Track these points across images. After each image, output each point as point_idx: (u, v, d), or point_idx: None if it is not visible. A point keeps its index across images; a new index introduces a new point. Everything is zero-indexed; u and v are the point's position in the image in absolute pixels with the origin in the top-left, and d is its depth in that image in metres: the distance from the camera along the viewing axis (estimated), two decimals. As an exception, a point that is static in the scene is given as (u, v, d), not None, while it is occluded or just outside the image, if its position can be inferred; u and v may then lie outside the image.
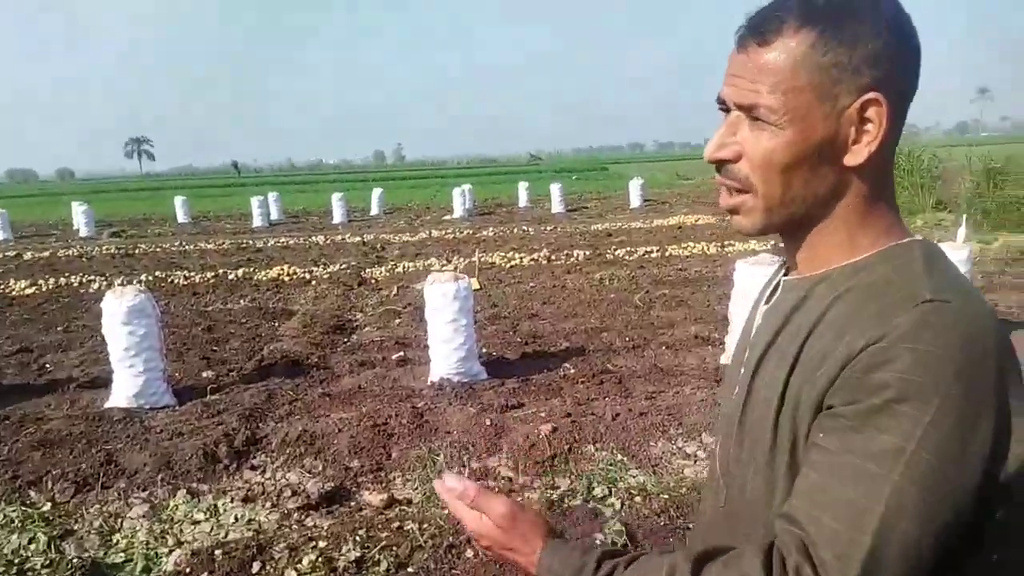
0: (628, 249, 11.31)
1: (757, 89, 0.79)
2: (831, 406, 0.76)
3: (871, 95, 0.78)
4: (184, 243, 15.34)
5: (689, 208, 18.36)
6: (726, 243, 11.61)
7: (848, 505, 0.71)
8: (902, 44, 0.79)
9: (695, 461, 4.06)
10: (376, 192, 21.55)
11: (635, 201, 19.34)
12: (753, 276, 5.36)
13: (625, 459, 4.05)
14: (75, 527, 3.58)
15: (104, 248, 14.92)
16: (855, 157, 0.80)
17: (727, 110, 0.85)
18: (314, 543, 3.22)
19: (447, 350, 5.35)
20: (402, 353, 6.28)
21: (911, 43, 0.80)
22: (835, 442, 0.74)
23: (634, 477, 3.86)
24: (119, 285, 6.66)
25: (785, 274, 0.96)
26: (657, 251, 11.06)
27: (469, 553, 3.12)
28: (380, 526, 3.39)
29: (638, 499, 3.54)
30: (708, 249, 11.12)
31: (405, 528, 3.34)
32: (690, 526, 3.21)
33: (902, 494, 0.69)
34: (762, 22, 0.80)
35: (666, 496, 3.56)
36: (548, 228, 15.33)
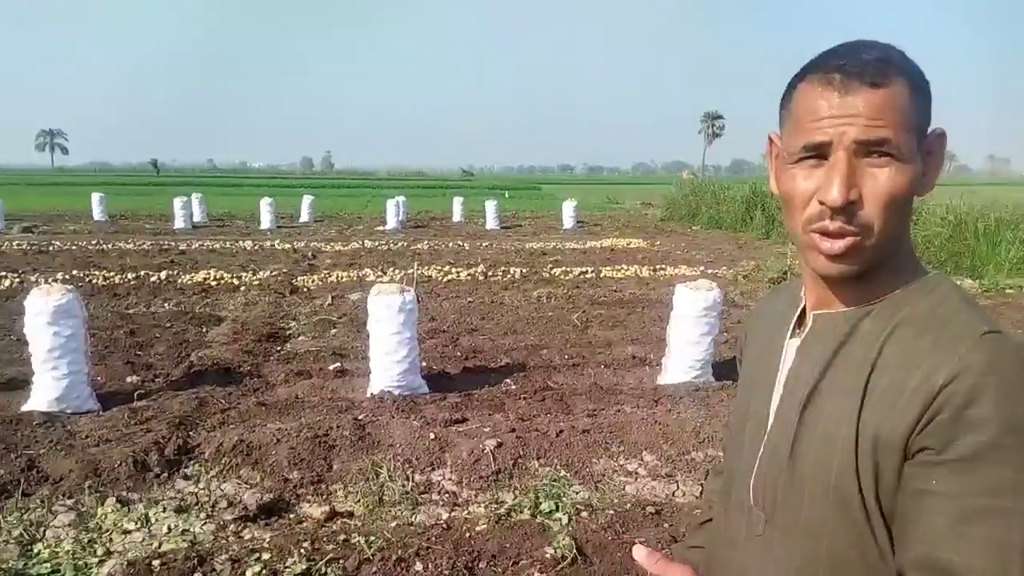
0: (564, 269, 11.45)
1: (883, 124, 0.82)
2: (926, 447, 0.79)
3: (940, 129, 0.88)
4: (101, 242, 14.68)
5: (620, 232, 18.71)
6: (658, 267, 11.90)
7: (987, 542, 0.74)
8: (930, 89, 0.88)
9: (636, 478, 4.13)
10: (306, 199, 21.14)
11: (568, 222, 19.60)
12: (693, 300, 5.52)
13: (568, 475, 4.09)
14: (-8, 536, 3.37)
15: (15, 244, 14.13)
16: (927, 188, 0.88)
17: (817, 156, 0.86)
18: (257, 555, 3.13)
19: (389, 362, 5.29)
20: (339, 364, 6.18)
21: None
22: (953, 485, 0.76)
23: (578, 493, 3.90)
24: (45, 283, 6.32)
25: (803, 308, 0.99)
26: (592, 272, 11.23)
27: (419, 566, 3.09)
28: (325, 539, 3.32)
29: (584, 514, 3.58)
30: (641, 272, 11.37)
31: (351, 541, 3.29)
32: (638, 540, 3.27)
33: None
34: (866, 67, 0.84)
35: (611, 512, 3.61)
36: (484, 244, 15.37)
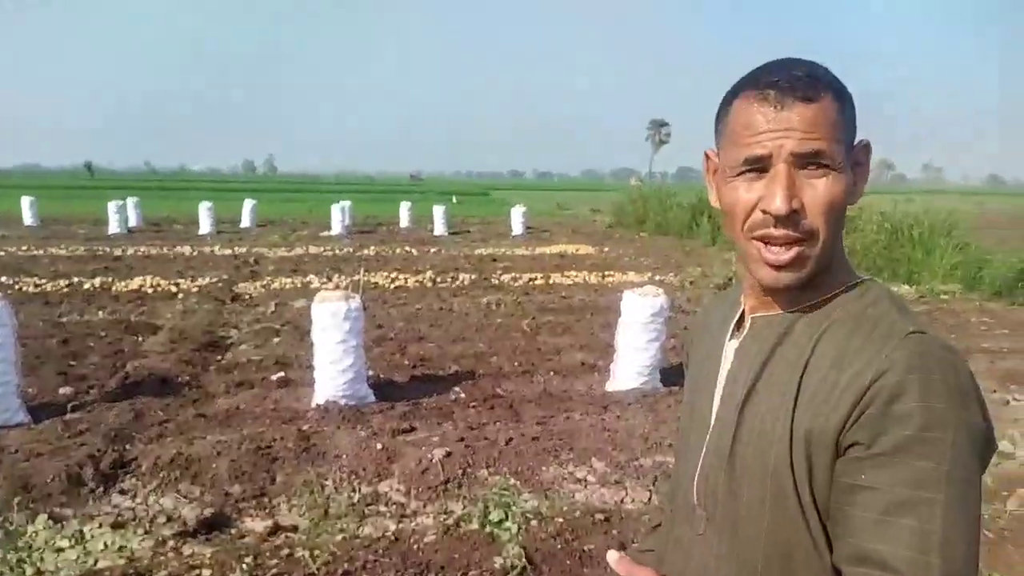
0: (513, 275, 11.45)
1: (818, 137, 0.86)
2: (856, 443, 0.82)
3: (865, 140, 0.93)
4: (32, 247, 14.12)
5: (569, 238, 18.83)
6: (606, 273, 12.01)
7: (912, 532, 0.78)
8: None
9: (585, 485, 4.14)
10: (248, 203, 20.69)
11: (517, 228, 19.63)
12: (641, 306, 5.58)
13: (518, 483, 4.08)
14: (-90, 560, 3.18)
15: (-63, 248, 13.49)
16: (856, 196, 0.93)
17: (757, 169, 0.89)
18: (197, 571, 3.03)
19: (334, 371, 5.20)
20: (283, 373, 6.05)
21: None
22: (879, 478, 0.80)
23: (527, 501, 3.89)
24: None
25: (743, 312, 1.02)
26: (541, 278, 11.26)
27: (366, 580, 3.03)
28: (268, 554, 3.23)
29: (534, 523, 3.57)
30: (589, 278, 11.45)
31: (295, 555, 3.21)
32: (587, 548, 3.28)
33: (951, 510, 0.78)
34: (797, 83, 0.87)
35: (561, 520, 3.61)
36: (432, 250, 15.28)
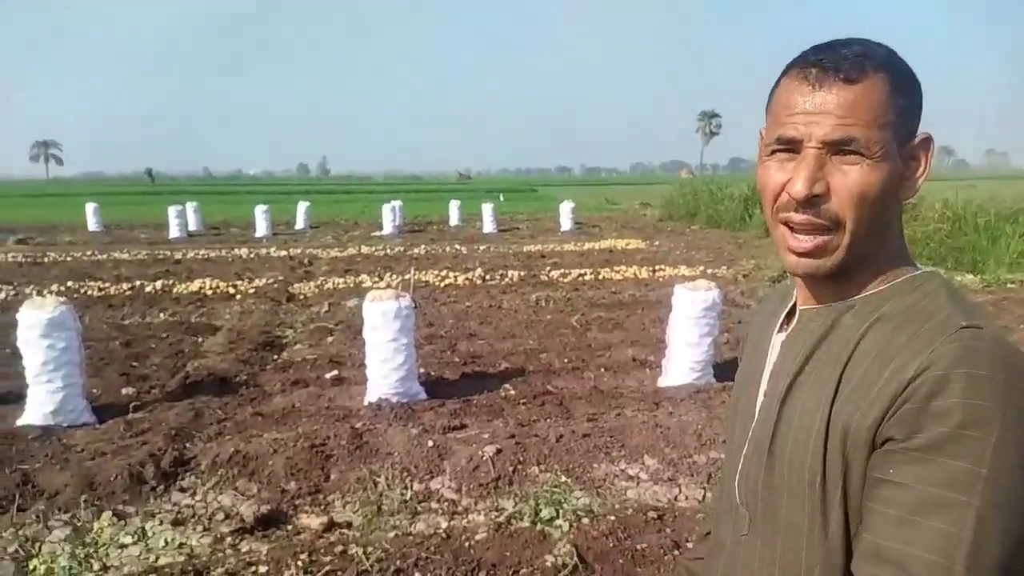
0: (562, 271, 11.40)
1: (853, 123, 0.82)
2: (891, 438, 0.77)
3: (925, 134, 0.86)
4: (96, 252, 14.63)
5: (618, 233, 18.67)
6: (657, 267, 11.86)
7: (937, 535, 0.72)
8: (921, 90, 0.87)
9: (637, 483, 4.09)
10: (302, 205, 21.07)
11: (566, 224, 19.55)
12: (692, 301, 5.49)
13: (569, 481, 4.05)
14: (-14, 554, 3.32)
15: (10, 256, 14.07)
16: (910, 191, 0.87)
17: (790, 150, 0.87)
18: (254, 568, 3.09)
19: (386, 370, 5.25)
20: (336, 372, 6.14)
21: (921, 90, 0.88)
22: (909, 475, 0.75)
23: (578, 499, 3.86)
24: (37, 295, 6.28)
25: (794, 303, 0.99)
26: (590, 274, 11.19)
27: (418, 577, 3.05)
28: (322, 550, 3.28)
29: (585, 521, 3.54)
30: (640, 273, 11.33)
31: (349, 552, 3.24)
32: (640, 547, 3.24)
33: (985, 518, 0.71)
34: (842, 62, 0.83)
35: (612, 518, 3.57)
36: (481, 248, 15.32)
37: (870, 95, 0.81)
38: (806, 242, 0.86)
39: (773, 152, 0.88)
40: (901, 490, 0.75)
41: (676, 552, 3.23)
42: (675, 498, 3.93)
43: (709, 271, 11.30)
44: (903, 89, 0.84)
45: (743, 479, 0.96)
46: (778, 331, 1.00)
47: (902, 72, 0.84)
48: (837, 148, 0.83)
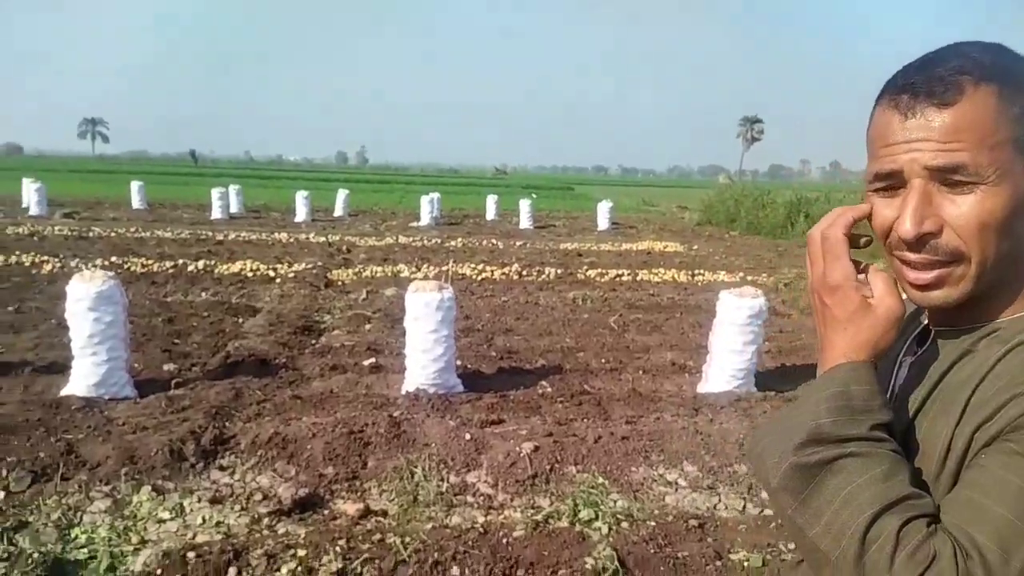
0: (599, 271, 11.31)
1: (958, 148, 0.75)
2: (995, 438, 0.74)
3: None
4: (140, 230, 14.88)
5: (656, 235, 18.50)
6: (695, 272, 11.72)
7: (1004, 523, 0.69)
8: None
9: (676, 489, 4.02)
10: (341, 193, 21.24)
11: (603, 223, 19.43)
12: (738, 307, 5.39)
13: (607, 483, 3.99)
14: (30, 519, 3.37)
15: (56, 229, 14.37)
16: None
17: (889, 187, 0.81)
18: (292, 551, 3.08)
19: (425, 360, 5.23)
20: (374, 359, 6.14)
21: None
22: (997, 462, 0.72)
23: (616, 502, 3.80)
24: (86, 269, 6.37)
25: (927, 324, 0.93)
26: (628, 275, 11.08)
27: (455, 570, 3.01)
28: (360, 537, 3.26)
29: (624, 524, 3.48)
30: (678, 277, 11.20)
31: (387, 541, 3.22)
32: (681, 555, 3.17)
33: None
34: (934, 82, 0.76)
35: (652, 523, 3.51)
36: (518, 243, 15.28)
37: (974, 114, 0.74)
38: (925, 275, 0.81)
39: (875, 189, 0.83)
40: (984, 473, 0.72)
41: (719, 563, 3.16)
42: (715, 507, 3.86)
43: (749, 278, 11.13)
44: (1017, 96, 0.76)
45: None
46: (905, 352, 0.94)
47: (1014, 77, 0.76)
48: (944, 178, 0.76)
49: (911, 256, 0.80)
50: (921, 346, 0.92)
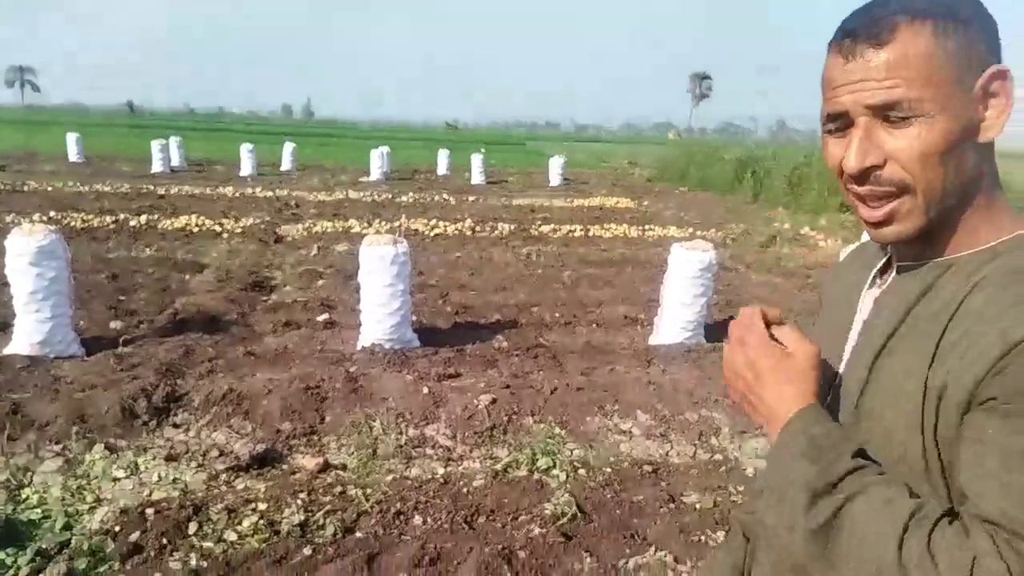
0: (553, 226, 11.36)
1: (894, 85, 0.79)
2: (993, 397, 0.74)
3: (995, 68, 0.80)
4: (78, 184, 14.32)
5: (608, 190, 18.58)
6: (646, 227, 11.85)
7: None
8: (989, 18, 0.82)
9: (630, 438, 4.13)
10: (288, 147, 20.73)
11: (555, 179, 19.41)
12: (689, 260, 5.48)
13: (563, 433, 4.08)
14: (-24, 481, 3.29)
15: (-13, 182, 13.75)
16: (990, 132, 0.82)
17: (839, 128, 0.85)
18: (252, 505, 3.09)
19: (381, 315, 5.22)
20: (328, 315, 6.10)
21: (992, 17, 0.83)
22: (1004, 431, 0.73)
23: (573, 451, 3.89)
24: (27, 223, 6.14)
25: (888, 259, 0.96)
26: (581, 230, 11.16)
27: (417, 519, 3.06)
28: (321, 491, 3.28)
29: (581, 472, 3.57)
30: (629, 232, 11.31)
31: (348, 493, 3.25)
32: (636, 499, 3.28)
33: None
34: (871, 24, 0.80)
35: (608, 470, 3.61)
36: (470, 199, 15.19)
37: (907, 51, 0.78)
38: (877, 211, 0.84)
39: (828, 130, 0.87)
40: (995, 447, 0.73)
41: (672, 505, 3.27)
42: (667, 454, 3.98)
43: (699, 233, 11.30)
44: (952, 31, 0.79)
45: None
46: (869, 287, 0.97)
47: (950, 11, 0.79)
48: (885, 114, 0.80)
49: (860, 190, 0.84)
50: (882, 279, 0.96)
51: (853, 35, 0.81)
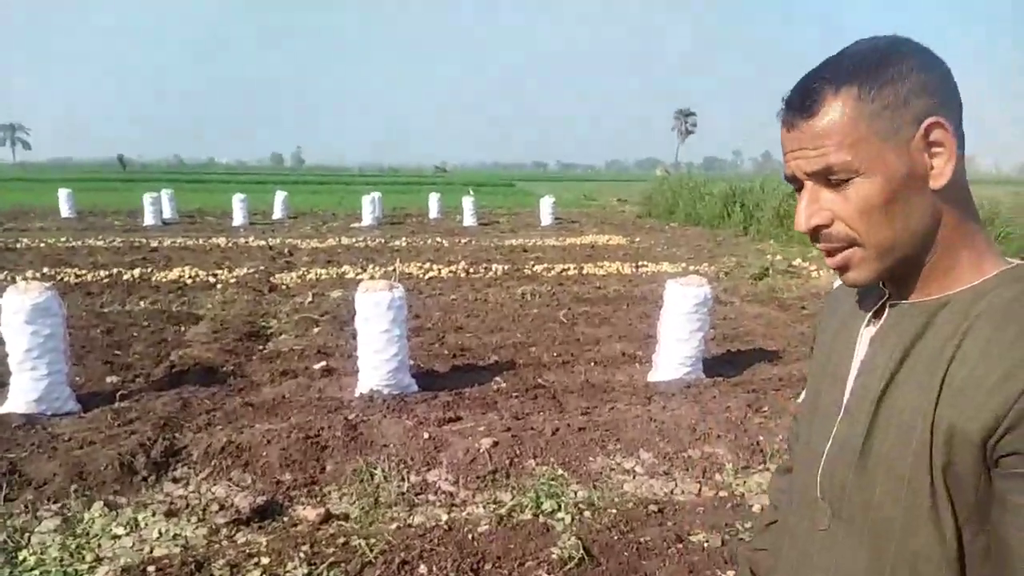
0: (546, 265, 11.40)
1: (823, 153, 0.84)
2: (1016, 451, 0.76)
3: (930, 120, 0.83)
4: (71, 239, 14.33)
5: (599, 228, 18.71)
6: (639, 263, 11.91)
7: None
8: (934, 69, 0.84)
9: (634, 476, 4.11)
10: (279, 195, 20.83)
11: (546, 219, 19.54)
12: (684, 296, 5.51)
13: (566, 474, 4.05)
14: (-27, 545, 3.24)
15: (-20, 240, 13.74)
16: (939, 179, 0.84)
17: (797, 189, 0.91)
18: (255, 559, 3.05)
19: (378, 361, 5.21)
20: (325, 363, 6.08)
21: (942, 68, 0.85)
22: None
23: (577, 492, 3.86)
24: (22, 281, 6.13)
25: (887, 298, 0.97)
26: (574, 269, 11.20)
27: (423, 568, 3.02)
28: (324, 542, 3.24)
29: (587, 514, 3.54)
30: (623, 269, 11.36)
31: (351, 544, 3.21)
32: (643, 539, 3.24)
33: None
34: (801, 97, 0.86)
35: (614, 511, 3.58)
36: (463, 241, 15.26)
37: (835, 117, 0.82)
38: (833, 260, 0.90)
39: (794, 190, 0.93)
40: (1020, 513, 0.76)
41: (679, 545, 3.24)
42: (671, 492, 3.95)
43: (691, 268, 11.37)
44: (878, 91, 0.82)
45: (827, 475, 0.94)
46: (866, 325, 0.98)
47: (877, 71, 0.82)
48: (823, 179, 0.86)
49: (819, 246, 0.91)
50: (877, 318, 0.97)
51: (789, 105, 0.87)
